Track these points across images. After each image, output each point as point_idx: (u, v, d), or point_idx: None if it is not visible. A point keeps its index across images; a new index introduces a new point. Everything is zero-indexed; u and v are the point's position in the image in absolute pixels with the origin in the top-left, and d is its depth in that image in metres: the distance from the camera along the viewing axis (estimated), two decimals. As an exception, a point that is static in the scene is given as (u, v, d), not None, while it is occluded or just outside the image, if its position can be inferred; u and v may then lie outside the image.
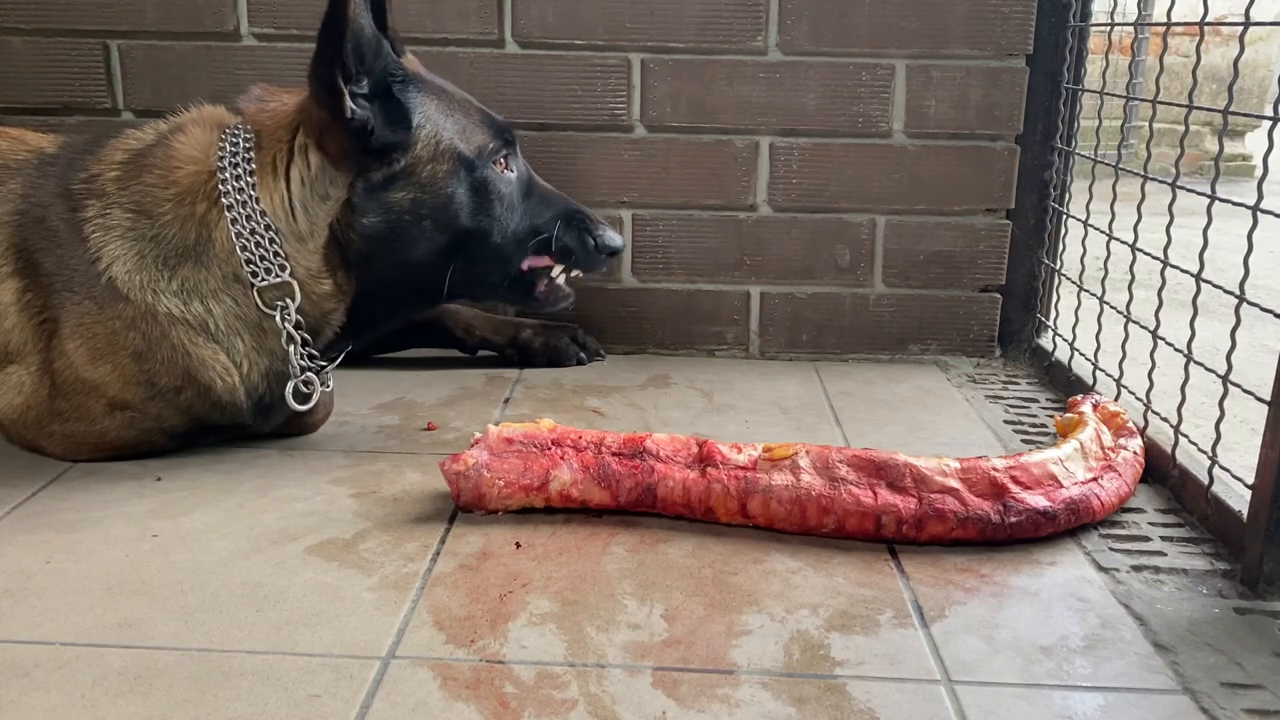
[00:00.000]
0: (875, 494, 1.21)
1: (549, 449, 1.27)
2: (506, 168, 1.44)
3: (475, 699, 0.92)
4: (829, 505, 1.21)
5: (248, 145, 1.35)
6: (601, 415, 1.64)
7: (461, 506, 1.27)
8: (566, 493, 1.25)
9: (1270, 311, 1.14)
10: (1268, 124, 1.15)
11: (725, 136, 1.89)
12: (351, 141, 1.32)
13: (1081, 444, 1.31)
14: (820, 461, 1.24)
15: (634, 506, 1.26)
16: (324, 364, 1.43)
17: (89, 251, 1.35)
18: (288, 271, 1.34)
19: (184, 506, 1.29)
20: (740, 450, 1.26)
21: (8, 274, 1.37)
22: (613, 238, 1.54)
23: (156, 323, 1.34)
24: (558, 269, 1.53)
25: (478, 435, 1.28)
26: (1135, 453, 1.35)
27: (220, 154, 1.35)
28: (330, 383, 1.47)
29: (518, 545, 1.21)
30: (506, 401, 1.70)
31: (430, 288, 1.44)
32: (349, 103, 1.28)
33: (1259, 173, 1.12)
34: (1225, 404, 1.24)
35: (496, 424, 1.30)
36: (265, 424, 1.46)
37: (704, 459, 1.26)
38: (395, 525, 1.25)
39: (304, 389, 1.41)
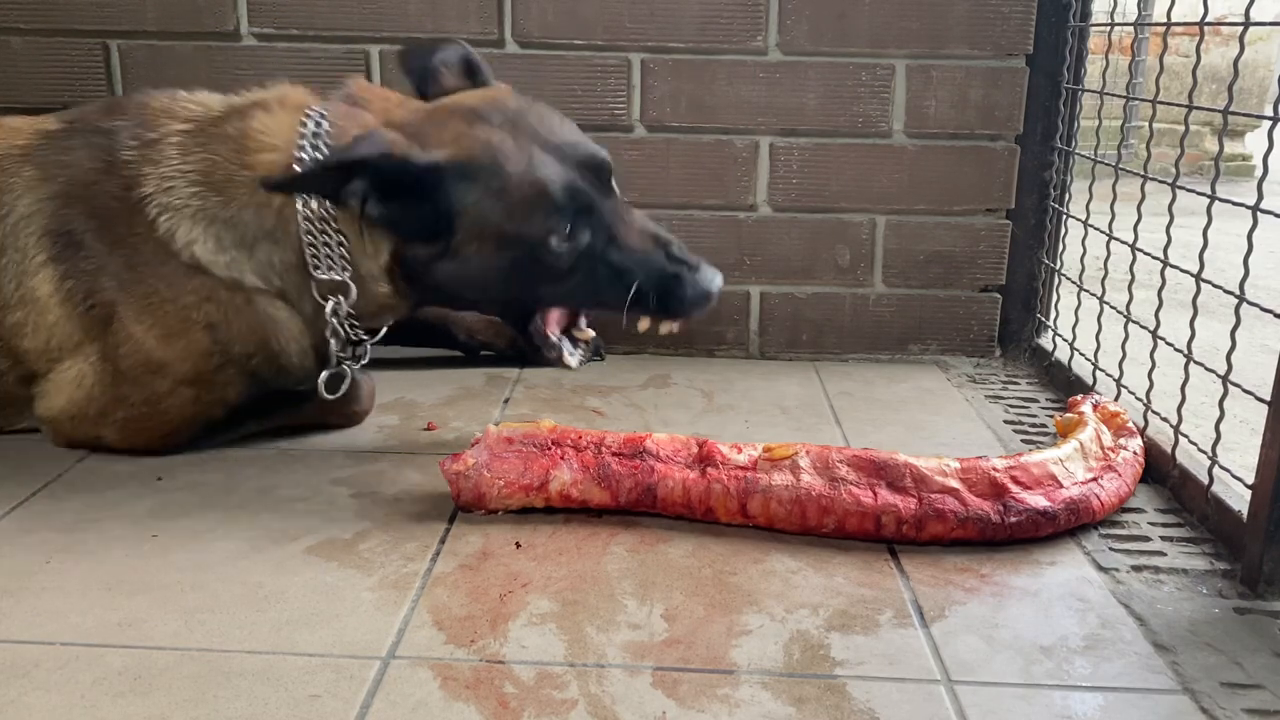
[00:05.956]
0: (875, 494, 1.21)
1: (549, 449, 1.27)
2: (569, 238, 1.30)
3: (475, 699, 0.92)
4: (829, 505, 1.21)
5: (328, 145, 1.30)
6: (601, 415, 1.64)
7: (461, 506, 1.27)
8: (566, 493, 1.25)
9: (1270, 311, 1.14)
10: (1268, 124, 1.15)
11: (725, 136, 1.89)
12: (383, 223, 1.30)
13: (1081, 444, 1.31)
14: (820, 461, 1.23)
15: (634, 506, 1.26)
16: (358, 355, 1.44)
17: (157, 233, 1.31)
18: (349, 274, 1.34)
19: (184, 507, 1.29)
20: (740, 450, 1.26)
21: (42, 263, 1.33)
22: (700, 289, 1.33)
23: (241, 292, 1.34)
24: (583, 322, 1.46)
25: (478, 435, 1.28)
26: (1135, 453, 1.35)
27: (300, 148, 1.30)
28: (364, 362, 1.49)
29: (518, 545, 1.21)
30: (506, 401, 1.70)
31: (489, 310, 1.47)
32: (354, 203, 1.26)
33: (1259, 173, 1.12)
34: (1225, 404, 1.24)
35: (496, 424, 1.30)
36: (333, 389, 1.44)
37: (704, 459, 1.26)
38: (395, 525, 1.25)
39: (337, 380, 1.42)
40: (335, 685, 0.94)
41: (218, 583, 1.11)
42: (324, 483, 1.37)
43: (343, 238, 1.32)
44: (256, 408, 1.46)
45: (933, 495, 1.20)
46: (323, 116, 1.31)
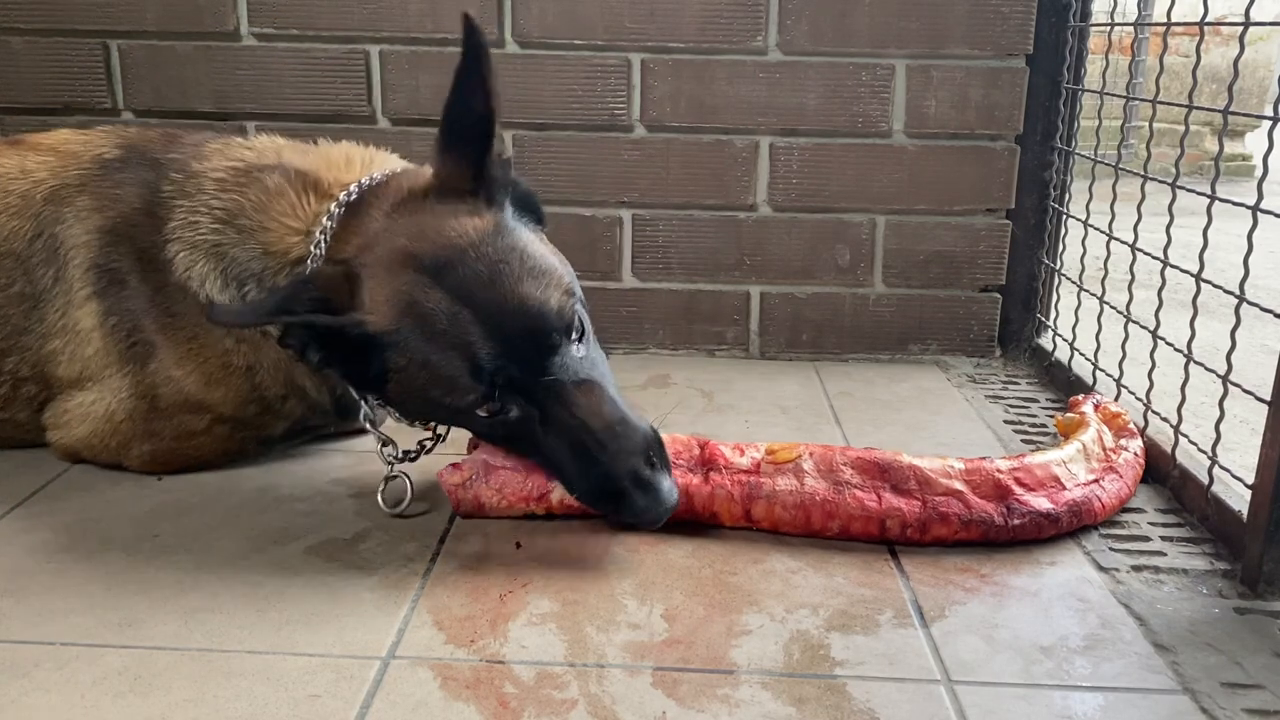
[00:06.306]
0: (880, 497, 1.20)
1: None
2: (499, 411, 1.16)
3: (475, 699, 0.92)
4: (834, 510, 1.20)
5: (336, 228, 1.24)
6: (601, 415, 1.64)
7: (462, 515, 1.27)
8: (569, 502, 1.22)
9: (1270, 311, 1.14)
10: (1268, 124, 1.15)
11: (725, 136, 1.89)
12: None
13: (1084, 445, 1.31)
14: (824, 464, 1.23)
15: None
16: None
17: (176, 274, 1.29)
18: None
19: (184, 506, 1.29)
20: (743, 452, 1.25)
21: (87, 296, 1.32)
22: (655, 509, 1.13)
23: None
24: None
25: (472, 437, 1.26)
26: (1136, 454, 1.35)
27: (315, 241, 1.24)
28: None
29: (518, 545, 1.21)
30: (506, 401, 1.70)
31: None
32: (291, 353, 1.19)
33: (1259, 173, 1.12)
34: (1225, 404, 1.24)
35: None
36: (348, 423, 1.42)
37: (706, 461, 1.25)
38: (395, 525, 1.25)
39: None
40: (335, 685, 0.94)
41: (218, 583, 1.11)
42: (324, 483, 1.37)
43: None
44: (291, 436, 1.45)
45: (937, 498, 1.20)
46: (337, 209, 1.25)
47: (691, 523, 1.26)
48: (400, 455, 1.31)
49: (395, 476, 1.30)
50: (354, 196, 1.25)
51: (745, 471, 1.23)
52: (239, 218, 1.29)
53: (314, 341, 1.16)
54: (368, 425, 1.30)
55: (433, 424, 1.33)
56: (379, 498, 1.29)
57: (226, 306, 1.26)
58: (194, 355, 1.33)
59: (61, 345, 1.34)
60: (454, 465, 1.25)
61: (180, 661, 0.97)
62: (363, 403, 1.28)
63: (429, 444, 1.34)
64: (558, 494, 1.23)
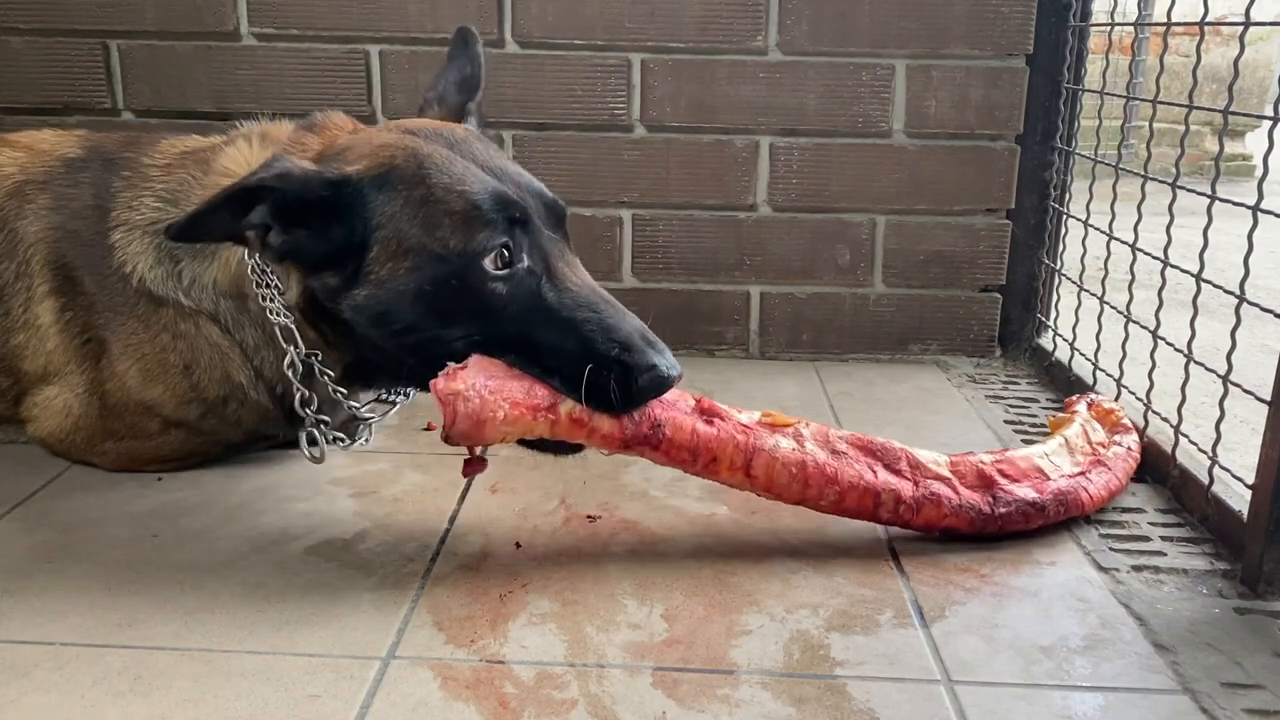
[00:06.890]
0: (875, 473, 1.20)
1: None
2: (503, 264, 1.11)
3: (475, 699, 0.92)
4: (834, 476, 1.18)
5: None
6: (601, 415, 1.63)
7: (454, 438, 1.08)
8: (576, 416, 1.11)
9: (1270, 311, 1.14)
10: (1268, 124, 1.15)
11: (725, 136, 1.89)
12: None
13: (1067, 439, 1.32)
14: (820, 436, 1.22)
15: (639, 444, 1.14)
16: (354, 402, 1.32)
17: (116, 261, 1.30)
18: (277, 303, 1.24)
19: (184, 506, 1.29)
20: (741, 411, 1.21)
21: (45, 292, 1.34)
22: (662, 372, 1.10)
23: (190, 318, 1.31)
24: None
25: (452, 366, 1.09)
26: (1129, 448, 1.35)
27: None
28: (366, 436, 1.41)
29: (518, 545, 1.21)
30: (506, 401, 1.69)
31: (433, 362, 1.13)
32: (252, 235, 1.13)
33: (1259, 173, 1.12)
34: (1225, 404, 1.24)
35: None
36: (313, 454, 1.34)
37: (705, 411, 1.19)
38: (395, 525, 1.25)
39: (316, 436, 1.31)
40: (335, 685, 0.94)
41: (218, 583, 1.11)
42: (324, 483, 1.37)
43: (267, 266, 1.22)
44: (258, 440, 1.44)
45: (929, 480, 1.21)
46: (287, 143, 1.24)
47: (691, 522, 1.26)
48: (333, 438, 1.33)
49: (315, 441, 1.32)
50: (309, 124, 1.27)
51: (746, 426, 1.19)
52: (179, 192, 1.31)
53: (279, 219, 1.11)
54: (289, 373, 1.26)
55: (389, 365, 1.22)
56: (304, 448, 1.32)
57: (183, 216, 1.15)
58: (132, 350, 1.33)
59: (25, 340, 1.36)
60: (449, 373, 1.08)
61: (180, 661, 0.97)
62: (290, 371, 1.26)
63: (372, 424, 1.40)
64: (566, 407, 1.11)
